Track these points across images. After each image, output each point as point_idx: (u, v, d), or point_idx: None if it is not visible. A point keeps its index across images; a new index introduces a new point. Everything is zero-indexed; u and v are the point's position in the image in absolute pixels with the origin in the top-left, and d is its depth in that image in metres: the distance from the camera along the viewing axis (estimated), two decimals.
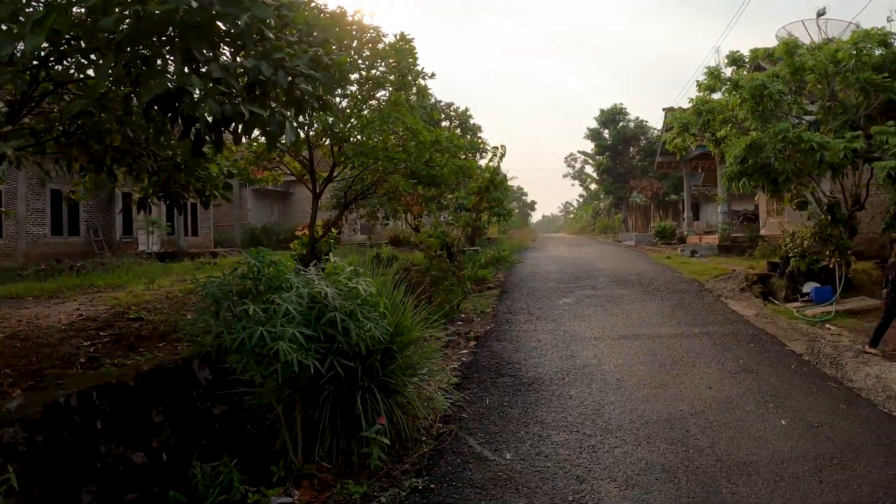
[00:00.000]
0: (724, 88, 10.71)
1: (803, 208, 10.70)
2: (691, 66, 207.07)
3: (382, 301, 4.43)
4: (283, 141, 4.53)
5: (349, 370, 4.11)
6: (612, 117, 43.32)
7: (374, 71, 7.84)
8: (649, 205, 39.67)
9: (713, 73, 10.90)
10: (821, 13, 12.08)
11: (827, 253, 9.94)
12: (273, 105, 3.39)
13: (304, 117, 5.14)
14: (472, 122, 27.02)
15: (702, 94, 11.97)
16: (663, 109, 23.00)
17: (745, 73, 10.84)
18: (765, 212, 19.82)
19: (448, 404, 5.39)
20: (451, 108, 26.95)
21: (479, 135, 26.56)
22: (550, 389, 6.00)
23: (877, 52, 9.15)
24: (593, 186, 52.29)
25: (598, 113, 44.25)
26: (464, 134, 26.82)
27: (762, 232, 18.17)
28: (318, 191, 8.17)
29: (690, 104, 12.19)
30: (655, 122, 53.42)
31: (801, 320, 8.89)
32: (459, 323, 9.28)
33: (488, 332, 8.74)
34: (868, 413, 5.14)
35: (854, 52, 8.93)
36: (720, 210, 19.97)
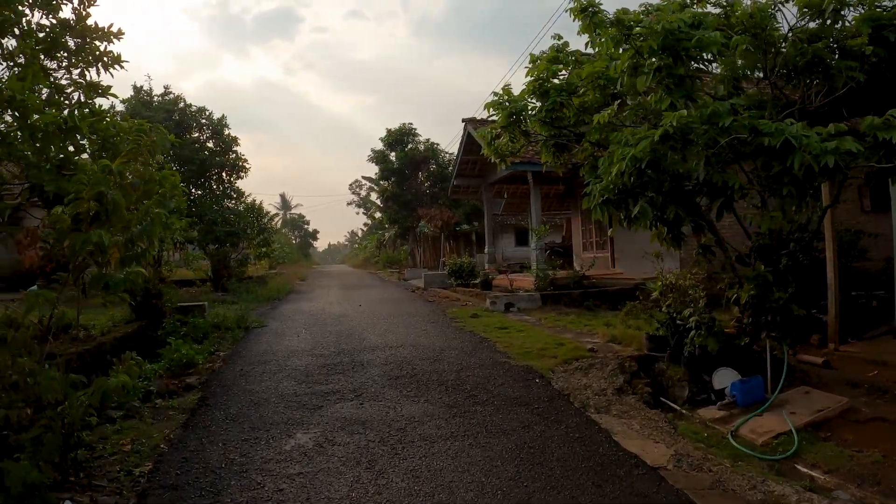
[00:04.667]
0: (600, 45, 6.34)
1: (709, 252, 6.93)
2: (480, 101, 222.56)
3: None
4: None
5: None
6: (399, 138, 38.86)
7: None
8: (439, 235, 36.06)
9: (583, 9, 6.31)
10: None
11: (762, 321, 6.19)
12: None
13: None
14: (228, 132, 20.77)
15: (543, 71, 7.43)
16: (463, 120, 19.09)
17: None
18: (580, 245, 16.84)
19: None
20: (205, 115, 20.49)
21: (234, 148, 20.73)
22: None
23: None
24: (378, 215, 47.31)
25: (384, 133, 39.32)
26: (218, 146, 20.28)
27: (585, 272, 15.00)
28: None
29: (530, 79, 7.50)
30: (447, 145, 51.09)
31: (757, 467, 4.57)
32: None
33: None
34: None
35: None
36: (533, 246, 16.52)
